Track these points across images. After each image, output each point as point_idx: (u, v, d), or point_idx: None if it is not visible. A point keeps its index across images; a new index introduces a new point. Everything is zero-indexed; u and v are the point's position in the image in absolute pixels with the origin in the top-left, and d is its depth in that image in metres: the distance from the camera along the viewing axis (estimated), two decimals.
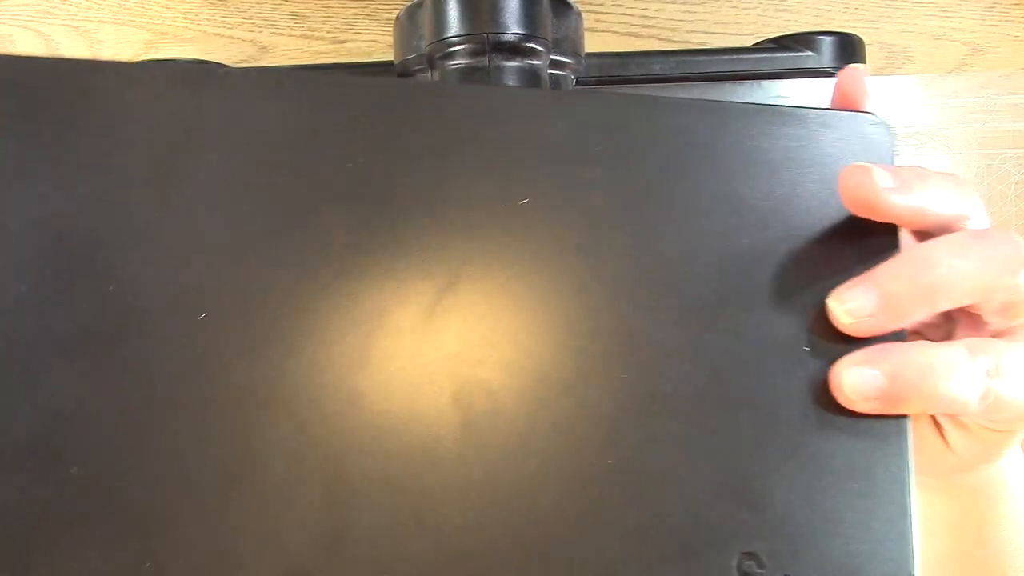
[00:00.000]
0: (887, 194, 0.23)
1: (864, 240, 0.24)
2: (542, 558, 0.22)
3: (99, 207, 0.22)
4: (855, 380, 0.22)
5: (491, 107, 0.24)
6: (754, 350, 0.23)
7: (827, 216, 0.24)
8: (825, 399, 0.23)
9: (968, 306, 0.24)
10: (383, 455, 0.22)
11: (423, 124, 0.24)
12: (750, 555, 0.22)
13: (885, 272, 0.23)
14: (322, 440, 0.22)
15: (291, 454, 0.22)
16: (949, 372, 0.22)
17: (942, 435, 0.27)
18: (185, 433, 0.21)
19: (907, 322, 0.23)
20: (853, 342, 0.23)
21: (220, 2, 0.58)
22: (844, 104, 0.27)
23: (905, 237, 0.25)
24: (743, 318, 0.23)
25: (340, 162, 0.23)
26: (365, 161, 0.23)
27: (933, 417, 0.27)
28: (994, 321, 0.25)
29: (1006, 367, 0.23)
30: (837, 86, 0.27)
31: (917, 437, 0.27)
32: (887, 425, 0.23)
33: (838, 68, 0.50)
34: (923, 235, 0.25)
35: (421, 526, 0.21)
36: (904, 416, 0.23)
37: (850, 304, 0.23)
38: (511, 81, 0.40)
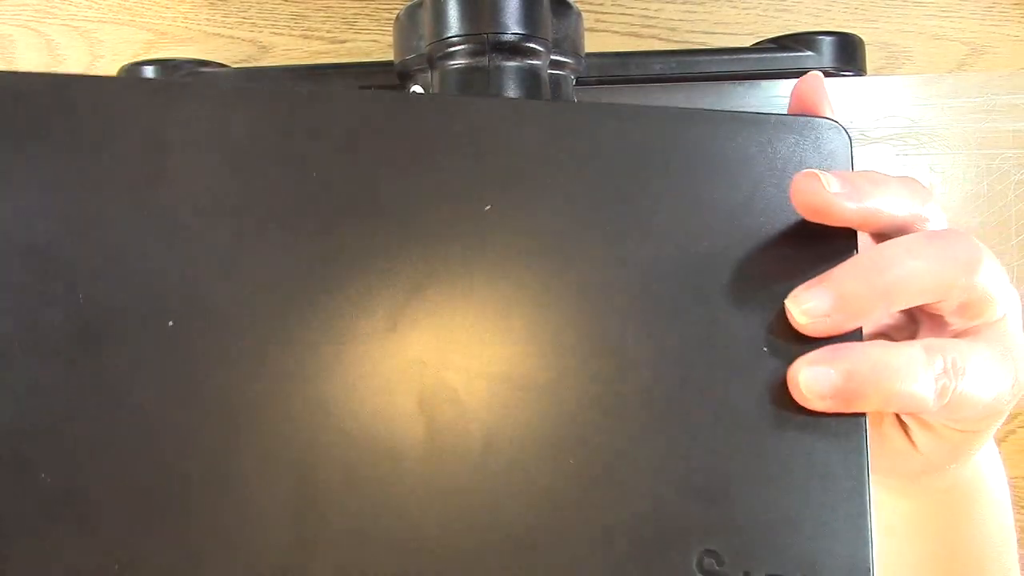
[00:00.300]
0: (838, 199, 0.23)
1: (822, 242, 0.24)
2: (507, 559, 0.22)
3: (74, 217, 0.23)
4: (811, 379, 0.23)
5: (455, 117, 0.25)
6: (714, 352, 0.23)
7: (786, 219, 0.24)
8: (784, 399, 0.23)
9: (928, 307, 0.25)
10: (350, 460, 0.22)
11: (388, 134, 0.24)
12: (710, 552, 0.22)
13: (841, 273, 0.23)
14: (290, 446, 0.22)
15: (259, 460, 0.22)
16: (905, 370, 0.22)
17: (908, 436, 0.27)
18: (153, 441, 0.22)
19: (863, 322, 0.23)
20: (812, 342, 0.23)
21: (220, 2, 0.58)
22: (803, 110, 0.27)
23: (865, 239, 0.25)
24: (704, 320, 0.24)
25: (306, 172, 0.24)
26: (331, 170, 0.24)
27: (899, 419, 0.27)
28: (955, 322, 0.25)
29: (965, 366, 0.23)
30: (795, 92, 0.28)
31: (884, 438, 0.28)
32: (845, 424, 0.23)
33: (838, 68, 0.50)
34: (882, 237, 0.25)
35: (389, 530, 0.22)
36: (862, 415, 0.23)
37: (806, 305, 0.23)
38: (511, 81, 0.40)
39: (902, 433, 0.27)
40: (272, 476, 0.22)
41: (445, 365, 0.23)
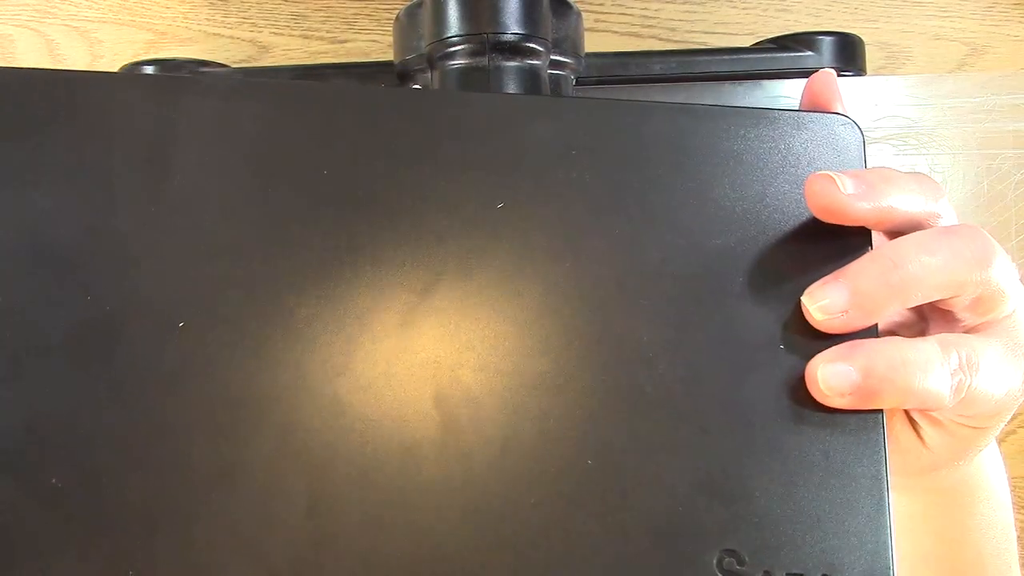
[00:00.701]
0: (852, 200, 0.23)
1: (836, 238, 0.24)
2: (524, 558, 0.22)
3: (79, 217, 0.23)
4: (829, 376, 0.23)
5: (467, 113, 0.25)
6: (731, 349, 0.23)
7: (799, 216, 0.25)
8: (802, 396, 0.23)
9: (940, 303, 0.25)
10: (365, 459, 0.22)
11: (400, 130, 0.24)
12: (730, 552, 0.22)
13: (856, 269, 0.23)
14: (304, 446, 0.22)
15: (273, 460, 0.22)
16: (922, 367, 0.23)
17: (918, 433, 0.27)
18: (166, 440, 0.22)
19: (879, 318, 0.23)
20: (828, 339, 0.23)
21: (220, 2, 0.58)
22: (815, 107, 0.27)
23: (878, 234, 0.25)
24: (719, 318, 0.24)
25: (317, 169, 0.24)
26: (342, 168, 0.24)
27: (909, 416, 0.28)
28: (966, 318, 0.25)
29: (979, 361, 0.23)
30: (808, 89, 0.28)
31: (893, 436, 0.28)
32: (862, 421, 0.23)
33: (838, 68, 0.50)
34: (895, 234, 0.25)
35: (404, 529, 0.22)
36: (879, 411, 0.23)
37: (823, 301, 0.23)
38: (510, 81, 0.40)
39: (911, 431, 0.28)
40: (287, 475, 0.22)
41: (460, 363, 0.23)
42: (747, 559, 0.22)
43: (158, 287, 0.22)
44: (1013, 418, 0.57)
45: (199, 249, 0.23)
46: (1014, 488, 0.57)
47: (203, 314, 0.22)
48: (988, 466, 0.31)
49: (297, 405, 0.22)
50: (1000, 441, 0.55)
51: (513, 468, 0.22)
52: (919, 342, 0.23)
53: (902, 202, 0.24)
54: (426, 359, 0.23)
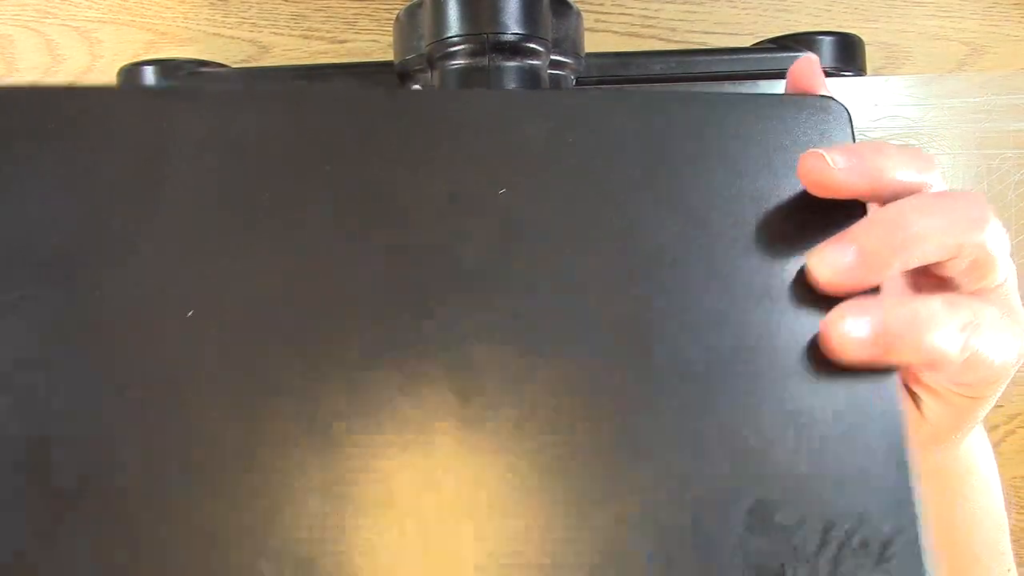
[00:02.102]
0: (844, 174, 0.24)
1: (833, 211, 0.25)
2: (555, 527, 0.22)
3: (82, 222, 0.23)
4: (846, 330, 0.23)
5: (466, 109, 0.25)
6: (741, 319, 0.24)
7: (794, 193, 0.25)
8: (816, 358, 0.23)
9: (937, 268, 0.25)
10: (385, 445, 0.22)
11: (399, 130, 0.25)
12: (757, 510, 0.22)
13: (859, 230, 0.24)
14: (310, 440, 0.22)
15: (280, 457, 0.22)
16: (931, 322, 0.23)
17: (917, 405, 0.28)
18: (174, 438, 0.22)
19: (883, 277, 0.24)
20: (834, 303, 0.24)
21: (220, 2, 0.58)
22: (799, 91, 0.28)
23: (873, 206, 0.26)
24: (727, 292, 0.24)
25: (317, 169, 0.24)
26: (342, 166, 0.24)
27: (908, 388, 0.28)
28: (962, 283, 0.26)
29: (981, 323, 0.24)
30: (791, 75, 0.28)
31: None
32: (877, 379, 0.23)
33: (838, 68, 0.50)
34: None
35: (423, 504, 0.22)
36: (892, 370, 0.23)
37: (829, 259, 0.23)
38: (511, 81, 0.40)
39: (910, 402, 0.28)
40: (296, 467, 0.22)
41: (473, 350, 0.23)
42: (775, 516, 0.22)
43: (159, 294, 0.23)
44: (1013, 418, 0.57)
45: (199, 252, 0.23)
46: (1013, 488, 0.57)
47: (206, 313, 0.22)
48: (977, 452, 0.31)
49: (303, 405, 0.22)
50: (1000, 441, 0.55)
51: (535, 445, 0.22)
52: (926, 298, 0.23)
53: (894, 173, 0.24)
54: (436, 346, 0.23)
